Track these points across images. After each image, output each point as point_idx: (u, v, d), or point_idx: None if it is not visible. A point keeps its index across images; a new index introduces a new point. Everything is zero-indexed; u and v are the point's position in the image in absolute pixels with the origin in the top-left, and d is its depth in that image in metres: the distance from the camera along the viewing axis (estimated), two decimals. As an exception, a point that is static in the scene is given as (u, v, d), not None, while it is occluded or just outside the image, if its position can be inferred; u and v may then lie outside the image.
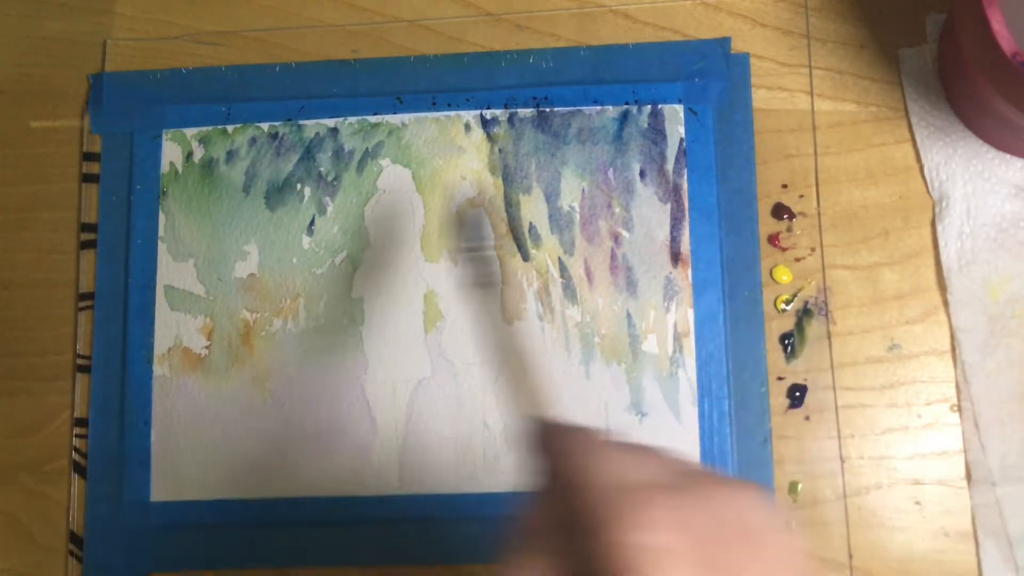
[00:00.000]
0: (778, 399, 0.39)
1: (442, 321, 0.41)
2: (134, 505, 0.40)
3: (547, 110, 0.42)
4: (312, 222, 0.42)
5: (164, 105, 0.43)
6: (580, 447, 0.25)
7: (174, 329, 0.41)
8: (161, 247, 0.42)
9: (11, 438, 0.42)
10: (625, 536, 0.22)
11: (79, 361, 0.42)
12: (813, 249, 0.40)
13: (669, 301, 0.40)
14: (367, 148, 0.42)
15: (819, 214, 0.41)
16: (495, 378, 0.32)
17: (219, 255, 0.42)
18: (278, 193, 0.42)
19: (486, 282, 0.36)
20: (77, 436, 0.41)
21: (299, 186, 0.42)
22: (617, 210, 0.41)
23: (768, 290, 0.40)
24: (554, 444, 0.26)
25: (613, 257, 0.41)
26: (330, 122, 0.43)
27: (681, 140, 0.41)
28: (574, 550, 0.24)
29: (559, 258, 0.41)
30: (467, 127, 0.42)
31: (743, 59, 0.42)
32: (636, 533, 0.22)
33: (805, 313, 0.40)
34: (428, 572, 0.40)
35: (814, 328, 0.40)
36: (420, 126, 0.42)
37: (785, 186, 0.41)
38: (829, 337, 0.40)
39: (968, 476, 0.38)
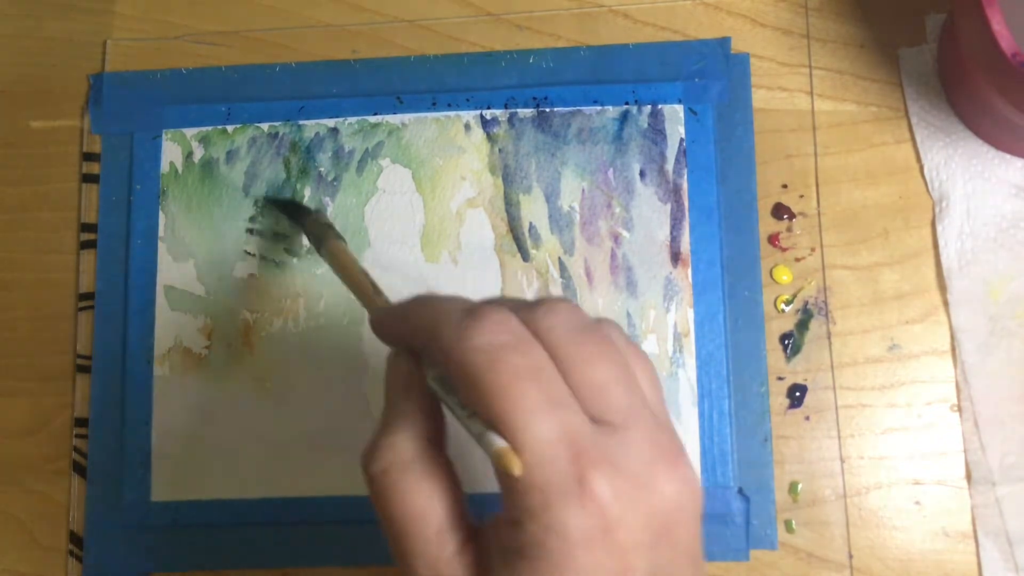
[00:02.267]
0: (778, 399, 0.40)
1: (442, 321, 0.41)
2: (134, 505, 0.40)
3: (547, 110, 0.42)
4: (312, 222, 0.42)
5: (164, 105, 0.43)
6: (417, 306, 0.26)
7: (174, 329, 0.41)
8: (161, 247, 0.42)
9: (11, 438, 0.42)
10: (566, 522, 0.22)
11: (79, 361, 0.42)
12: (813, 249, 0.40)
13: (669, 301, 0.40)
14: (367, 148, 0.42)
15: (819, 214, 0.41)
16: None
17: (219, 255, 0.42)
18: (278, 193, 0.42)
19: (326, 237, 0.38)
20: (77, 436, 0.41)
21: (299, 186, 0.42)
22: (617, 210, 0.41)
23: (768, 290, 0.40)
24: (395, 318, 0.27)
25: (613, 257, 0.41)
26: (330, 122, 0.43)
27: (681, 140, 0.41)
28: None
29: (559, 258, 0.41)
30: (467, 127, 0.42)
31: (743, 59, 0.42)
32: (575, 521, 0.22)
33: (805, 313, 0.40)
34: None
35: (814, 328, 0.40)
36: (420, 126, 0.42)
37: (785, 186, 0.41)
38: (829, 337, 0.40)
39: (968, 476, 0.38)
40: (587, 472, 0.22)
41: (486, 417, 0.23)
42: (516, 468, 0.22)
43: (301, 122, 0.43)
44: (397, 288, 0.41)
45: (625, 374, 0.24)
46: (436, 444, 0.25)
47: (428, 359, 0.26)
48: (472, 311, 0.24)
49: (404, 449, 0.25)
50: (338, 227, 0.42)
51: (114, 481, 0.40)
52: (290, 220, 0.42)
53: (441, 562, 0.24)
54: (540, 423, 0.22)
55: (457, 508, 0.25)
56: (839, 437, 0.39)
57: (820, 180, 0.41)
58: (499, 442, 0.23)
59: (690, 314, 0.40)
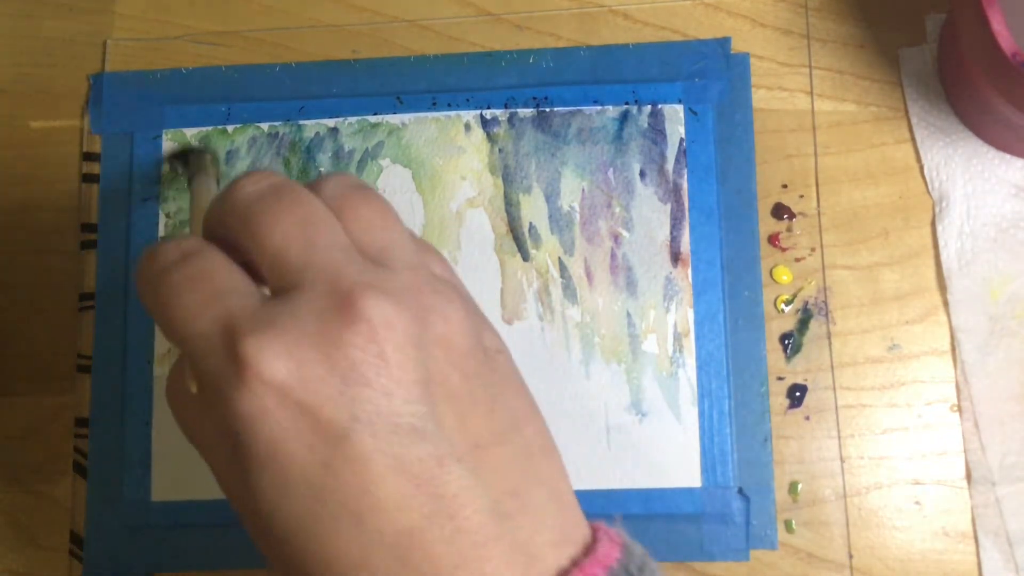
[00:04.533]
0: (778, 399, 0.40)
1: (442, 321, 0.41)
2: (135, 505, 0.40)
3: (547, 110, 0.42)
4: (312, 222, 0.42)
5: (164, 105, 0.43)
6: (153, 286, 0.24)
7: (174, 329, 0.41)
8: (161, 247, 0.42)
9: (11, 438, 0.42)
10: (236, 408, 0.22)
11: (79, 361, 0.42)
12: (813, 249, 0.40)
13: (669, 301, 0.40)
14: (367, 148, 0.42)
15: (819, 214, 0.41)
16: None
17: (219, 255, 0.42)
18: (278, 193, 0.42)
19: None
20: (78, 436, 0.41)
21: (299, 186, 0.42)
22: (617, 210, 0.41)
23: (768, 290, 0.40)
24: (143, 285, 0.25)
25: (613, 257, 0.41)
26: (330, 122, 0.43)
27: (681, 140, 0.41)
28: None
29: (559, 258, 0.41)
30: (467, 127, 0.42)
31: (743, 59, 0.42)
32: (243, 403, 0.21)
33: (805, 313, 0.40)
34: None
35: (814, 328, 0.40)
36: (420, 126, 0.42)
37: (785, 186, 0.41)
38: (829, 337, 0.40)
39: (968, 476, 0.38)
40: (242, 348, 0.21)
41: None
42: (192, 387, 0.23)
43: (301, 122, 0.43)
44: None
45: (306, 229, 0.23)
46: None
47: None
48: (147, 251, 0.25)
49: (174, 381, 0.26)
50: (338, 227, 0.42)
51: (114, 481, 0.40)
52: (185, 168, 0.41)
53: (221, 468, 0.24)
54: (195, 323, 0.22)
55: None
56: (839, 437, 0.39)
57: (820, 180, 0.41)
58: (185, 367, 0.24)
59: (690, 314, 0.40)
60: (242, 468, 0.22)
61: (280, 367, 0.21)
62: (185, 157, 0.41)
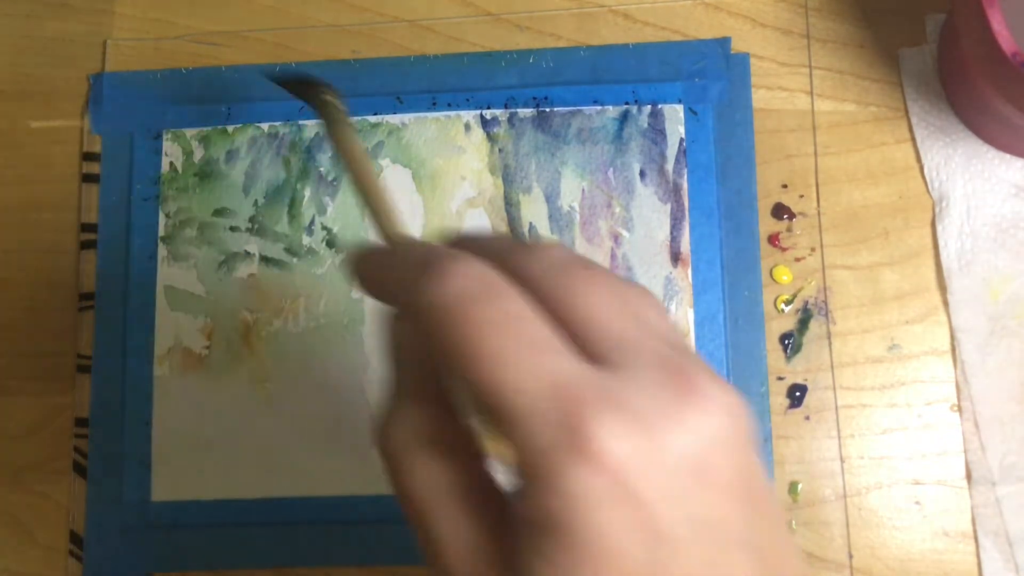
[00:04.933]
0: (778, 399, 0.40)
1: (442, 321, 0.41)
2: (134, 505, 0.40)
3: (547, 110, 0.42)
4: (312, 222, 0.42)
5: (164, 105, 0.43)
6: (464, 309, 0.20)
7: (174, 329, 0.41)
8: (161, 247, 0.42)
9: (11, 438, 0.42)
10: (565, 486, 0.18)
11: (79, 361, 0.42)
12: (813, 249, 0.40)
13: (669, 301, 0.40)
14: (367, 148, 0.42)
15: (819, 214, 0.41)
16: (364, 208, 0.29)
17: (219, 255, 0.42)
18: (278, 193, 0.42)
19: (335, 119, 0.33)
20: (77, 436, 0.41)
21: (299, 186, 0.42)
22: (617, 210, 0.41)
23: (768, 290, 0.40)
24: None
25: (613, 257, 0.41)
26: (330, 122, 0.42)
27: (681, 140, 0.41)
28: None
29: (559, 258, 0.41)
30: (467, 127, 0.42)
31: (743, 59, 0.42)
32: (576, 481, 0.18)
33: (805, 313, 0.40)
34: (427, 572, 0.39)
35: (814, 328, 0.40)
36: (420, 126, 0.42)
37: (785, 186, 0.41)
38: (829, 337, 0.40)
39: (968, 476, 0.38)
40: (585, 421, 0.18)
41: (462, 382, 0.20)
42: (489, 446, 0.21)
43: (301, 122, 0.43)
44: (397, 288, 0.41)
45: (623, 303, 0.21)
46: (450, 412, 0.22)
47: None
48: (428, 260, 0.20)
49: (411, 426, 0.22)
50: (338, 227, 0.42)
51: (114, 481, 0.40)
52: (297, 96, 0.37)
53: (464, 547, 0.21)
54: (520, 376, 0.19)
55: (477, 482, 0.21)
56: (839, 437, 0.39)
57: (820, 180, 0.41)
58: (474, 421, 0.21)
59: (690, 314, 0.40)
60: (526, 551, 0.19)
61: (624, 450, 0.19)
62: (304, 93, 0.36)
